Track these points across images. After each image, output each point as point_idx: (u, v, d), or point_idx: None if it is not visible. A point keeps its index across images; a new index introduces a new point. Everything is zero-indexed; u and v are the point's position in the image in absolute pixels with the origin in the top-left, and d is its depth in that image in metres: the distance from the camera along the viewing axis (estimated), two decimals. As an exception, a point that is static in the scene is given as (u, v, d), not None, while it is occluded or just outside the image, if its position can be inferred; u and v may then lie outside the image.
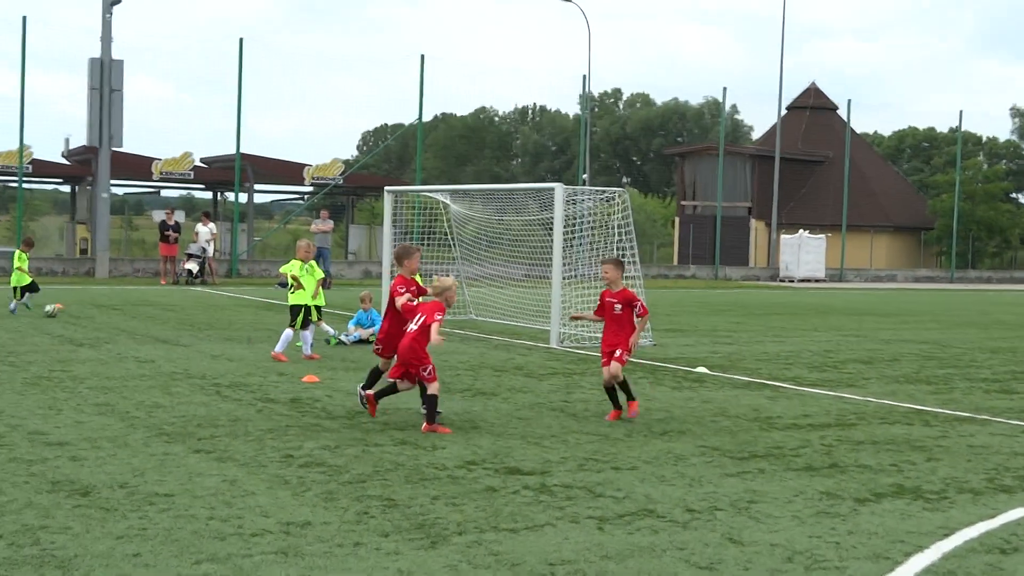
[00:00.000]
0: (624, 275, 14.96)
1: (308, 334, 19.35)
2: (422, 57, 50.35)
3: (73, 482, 9.87)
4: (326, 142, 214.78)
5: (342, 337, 21.56)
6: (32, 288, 27.20)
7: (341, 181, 55.62)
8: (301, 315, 19.21)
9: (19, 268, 27.08)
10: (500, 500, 9.65)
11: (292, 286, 19.29)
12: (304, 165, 55.00)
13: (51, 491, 9.51)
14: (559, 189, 22.55)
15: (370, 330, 21.59)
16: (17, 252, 27.74)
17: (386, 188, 27.52)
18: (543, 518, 9.09)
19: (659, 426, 13.47)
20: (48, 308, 25.96)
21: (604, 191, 25.55)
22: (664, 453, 11.83)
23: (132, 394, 14.76)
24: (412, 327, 12.95)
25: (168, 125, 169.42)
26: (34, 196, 75.14)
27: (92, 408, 13.62)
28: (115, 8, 44.11)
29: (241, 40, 47.53)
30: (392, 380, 13.11)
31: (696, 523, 9.06)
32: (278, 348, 19.03)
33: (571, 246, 24.76)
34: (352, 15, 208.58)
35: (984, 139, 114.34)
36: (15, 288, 27.03)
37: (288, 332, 19.27)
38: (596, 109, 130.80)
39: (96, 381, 15.87)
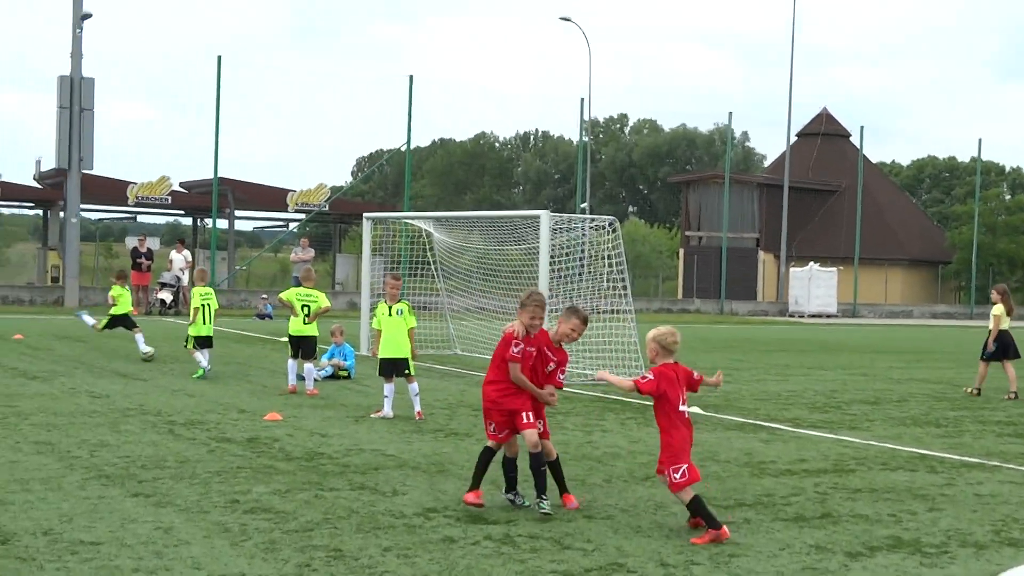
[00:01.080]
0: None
1: (303, 365, 18.92)
2: (410, 78, 49.30)
3: (-9, 528, 9.03)
4: (316, 167, 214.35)
5: (315, 373, 20.62)
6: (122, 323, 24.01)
7: (326, 207, 54.69)
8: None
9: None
10: (457, 552, 8.83)
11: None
12: (288, 191, 54.10)
13: (-37, 540, 8.68)
14: (545, 216, 21.74)
15: (343, 363, 20.91)
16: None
17: (365, 215, 26.74)
18: (501, 573, 8.29)
19: (641, 471, 12.59)
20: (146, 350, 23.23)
21: (594, 219, 24.69)
22: (643, 501, 10.97)
23: (77, 431, 13.90)
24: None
25: (145, 148, 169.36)
26: (7, 221, 73.98)
27: (30, 447, 12.76)
28: (87, 23, 43.07)
29: (219, 58, 46.40)
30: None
31: (669, 580, 8.23)
32: (292, 381, 18.82)
33: (565, 277, 23.86)
34: (349, 37, 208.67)
35: (1007, 169, 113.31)
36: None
37: (291, 363, 18.88)
38: (601, 135, 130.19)
39: (41, 417, 15.01)
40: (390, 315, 16.35)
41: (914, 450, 14.78)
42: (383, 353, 16.20)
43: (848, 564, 8.85)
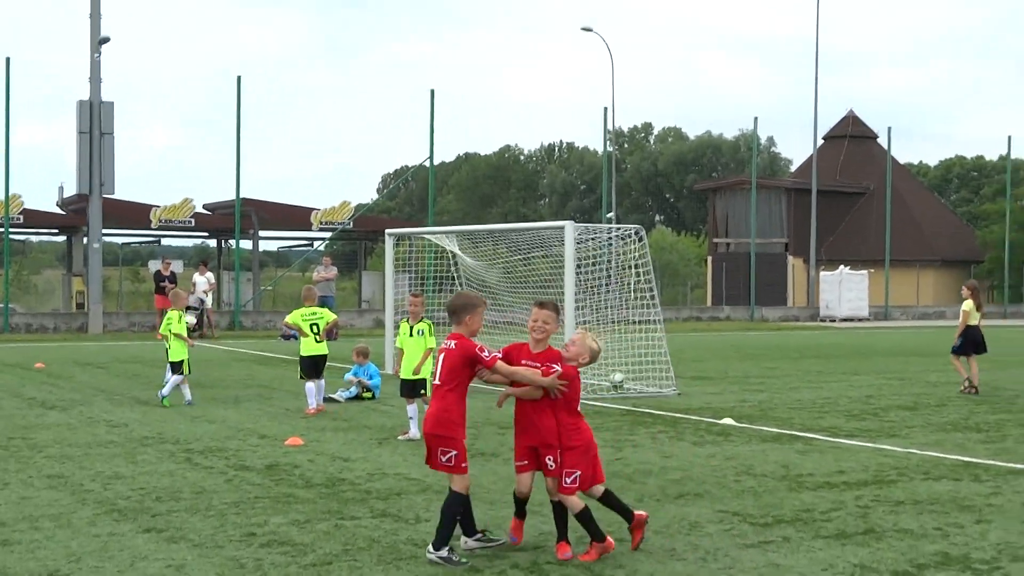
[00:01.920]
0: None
1: (317, 383, 18.73)
2: (431, 92, 48.67)
3: (-5, 571, 8.66)
4: (341, 185, 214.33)
5: (337, 394, 20.20)
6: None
7: (350, 225, 54.35)
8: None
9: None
10: (481, 583, 8.38)
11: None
12: (312, 209, 53.79)
13: (-34, 584, 8.31)
14: (569, 227, 21.28)
15: (367, 381, 20.48)
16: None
17: (387, 232, 26.30)
18: (528, 606, 7.83)
19: (674, 488, 12.11)
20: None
21: (620, 228, 24.23)
22: (677, 520, 10.50)
23: (92, 463, 13.51)
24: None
25: (168, 171, 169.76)
26: (34, 248, 73.89)
27: (43, 481, 12.37)
28: (106, 48, 42.77)
29: (239, 79, 45.67)
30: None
31: (706, 610, 7.80)
32: (312, 404, 18.53)
33: (593, 288, 23.40)
34: (371, 54, 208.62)
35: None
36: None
37: (309, 386, 18.61)
38: (626, 145, 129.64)
39: (56, 449, 14.61)
40: (411, 335, 16.00)
41: (957, 457, 14.26)
42: (403, 373, 15.95)
43: (895, 585, 8.40)
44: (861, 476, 12.86)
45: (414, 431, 15.43)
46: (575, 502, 9.25)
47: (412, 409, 15.70)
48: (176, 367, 19.55)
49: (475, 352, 9.35)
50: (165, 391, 19.44)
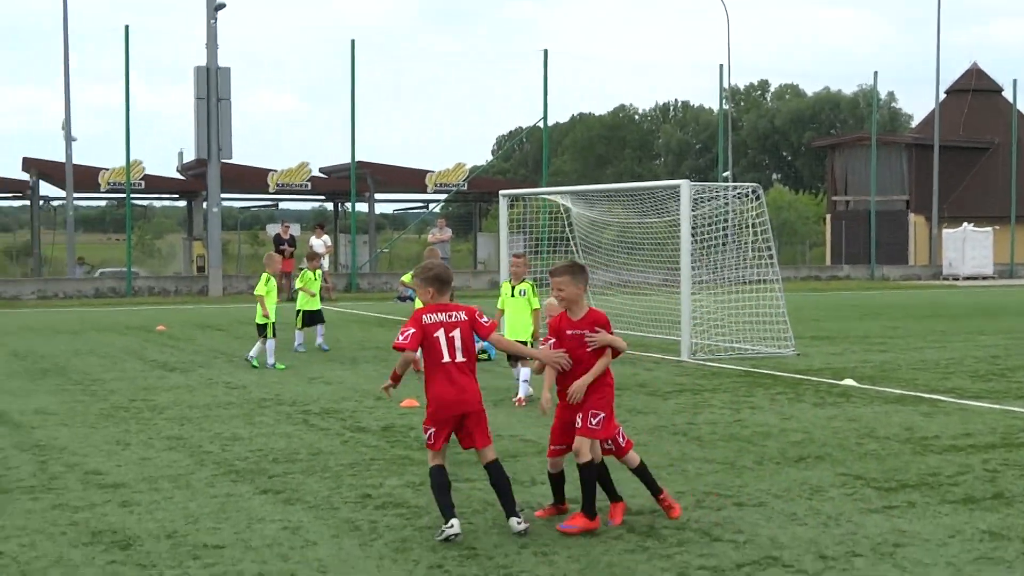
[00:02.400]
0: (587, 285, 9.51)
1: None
2: (544, 53, 48.27)
3: (115, 532, 8.79)
4: (455, 148, 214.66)
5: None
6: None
7: (465, 187, 54.37)
8: None
9: (301, 289, 22.48)
10: (598, 548, 8.29)
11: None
12: (426, 171, 53.89)
13: (88, 543, 8.46)
14: (685, 186, 20.95)
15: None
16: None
17: (500, 193, 26.13)
18: (645, 570, 7.76)
19: (794, 451, 11.85)
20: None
21: (737, 187, 23.83)
22: (798, 484, 10.25)
23: (211, 425, 13.64)
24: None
25: (285, 135, 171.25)
26: (158, 213, 75.06)
27: (163, 442, 12.51)
28: (222, 14, 43.19)
29: (353, 43, 45.71)
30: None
31: (829, 574, 7.62)
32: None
33: (710, 248, 23.07)
34: (484, 16, 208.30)
35: None
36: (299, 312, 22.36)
37: None
38: (742, 103, 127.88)
39: (176, 411, 14.78)
40: (512, 295, 15.83)
41: (1089, 420, 13.79)
42: (506, 335, 15.76)
43: (1027, 552, 8.10)
44: (988, 439, 12.49)
45: (523, 392, 15.30)
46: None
47: (518, 372, 15.55)
48: (261, 329, 19.70)
49: (475, 317, 8.98)
50: (269, 359, 19.56)
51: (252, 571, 7.79)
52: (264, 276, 20.26)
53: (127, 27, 42.93)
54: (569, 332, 8.96)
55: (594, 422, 8.82)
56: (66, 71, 47.11)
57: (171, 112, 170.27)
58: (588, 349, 8.89)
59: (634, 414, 14.36)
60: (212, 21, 42.72)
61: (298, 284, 22.56)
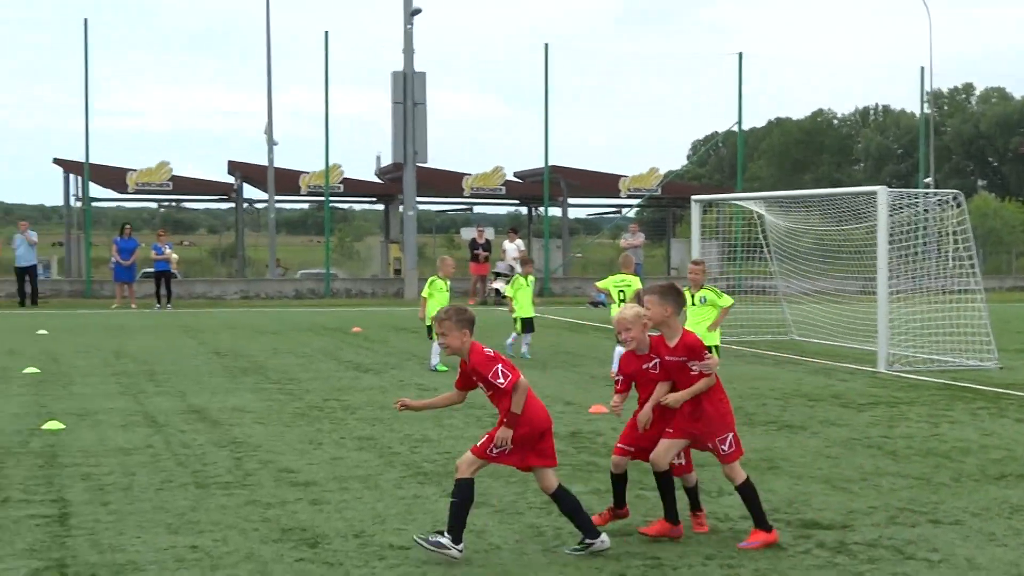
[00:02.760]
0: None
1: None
2: (739, 56, 47.55)
3: (304, 530, 8.95)
4: (649, 152, 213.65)
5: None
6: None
7: (659, 191, 54.04)
8: None
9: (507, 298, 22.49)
10: (786, 563, 8.12)
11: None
12: (620, 176, 53.71)
13: (278, 540, 8.62)
14: (882, 193, 20.41)
15: None
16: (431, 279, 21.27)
17: (693, 198, 25.86)
18: (835, 588, 7.51)
19: (995, 468, 11.42)
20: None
21: (937, 193, 23.14)
22: (998, 503, 9.87)
23: (401, 426, 13.79)
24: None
25: (479, 139, 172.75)
26: (357, 216, 76.41)
27: (354, 442, 12.71)
28: (417, 19, 43.75)
29: (546, 46, 45.93)
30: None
31: (1029, 601, 7.29)
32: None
33: (908, 256, 22.45)
34: (680, 18, 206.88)
35: None
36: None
37: (618, 349, 18.54)
38: (945, 107, 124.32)
39: (368, 412, 15.01)
40: (692, 303, 15.63)
41: None
42: None
43: None
44: None
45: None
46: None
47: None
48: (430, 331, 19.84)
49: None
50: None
51: (436, 573, 7.85)
52: (429, 279, 20.58)
53: (326, 33, 44.05)
54: (668, 358, 8.82)
55: (725, 447, 8.75)
56: (268, 77, 48.56)
57: (369, 116, 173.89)
58: (693, 373, 8.72)
59: (827, 425, 14.05)
60: (408, 26, 43.38)
61: (509, 291, 22.64)
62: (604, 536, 8.43)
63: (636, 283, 19.33)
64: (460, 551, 8.15)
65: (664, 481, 8.85)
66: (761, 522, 8.67)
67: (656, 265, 61.88)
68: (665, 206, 62.86)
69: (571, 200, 57.19)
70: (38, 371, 19.06)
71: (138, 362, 20.72)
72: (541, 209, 53.00)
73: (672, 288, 8.98)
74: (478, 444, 8.49)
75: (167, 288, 37.21)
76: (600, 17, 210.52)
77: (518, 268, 41.18)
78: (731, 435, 8.80)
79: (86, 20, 43.06)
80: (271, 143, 47.76)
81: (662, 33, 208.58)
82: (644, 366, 8.92)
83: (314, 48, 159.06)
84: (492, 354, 8.50)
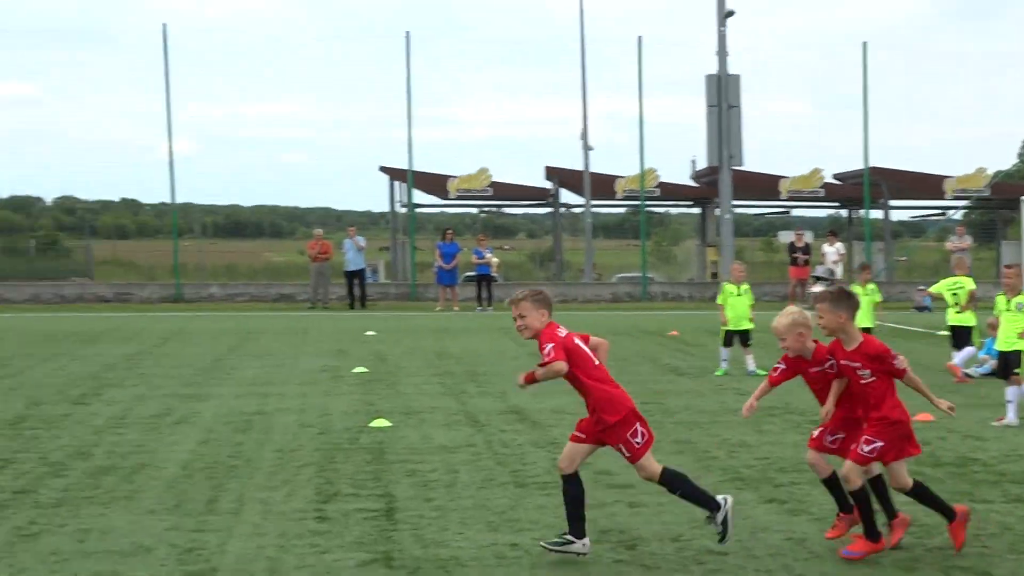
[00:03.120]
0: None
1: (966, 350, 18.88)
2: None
3: (623, 532, 9.05)
4: (977, 151, 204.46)
5: (972, 370, 19.01)
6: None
7: (987, 192, 51.72)
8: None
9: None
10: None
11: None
12: (944, 177, 51.69)
13: (596, 541, 8.72)
14: None
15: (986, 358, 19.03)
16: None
17: (1023, 198, 24.61)
18: None
19: None
20: None
21: None
22: None
23: (719, 430, 13.67)
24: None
25: (796, 141, 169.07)
26: (674, 220, 76.05)
27: (670, 446, 12.65)
28: (731, 21, 43.17)
29: (865, 44, 44.85)
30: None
31: None
32: (957, 361, 18.76)
33: None
34: (1007, 11, 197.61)
35: None
36: None
37: (970, 349, 18.93)
38: None
39: (686, 415, 14.94)
40: (1008, 308, 14.65)
41: None
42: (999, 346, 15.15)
43: None
44: None
45: (1011, 417, 14.13)
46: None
47: (1011, 392, 14.22)
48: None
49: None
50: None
51: (754, 578, 7.76)
52: (722, 285, 20.54)
53: (640, 38, 44.36)
54: (843, 362, 8.53)
55: (867, 448, 8.32)
56: (583, 84, 49.01)
57: (684, 120, 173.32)
58: (898, 367, 8.55)
59: None
60: (722, 28, 43.03)
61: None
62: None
63: (969, 285, 19.04)
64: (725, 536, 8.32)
65: (856, 498, 8.45)
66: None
67: (984, 269, 59.38)
68: (994, 208, 60.28)
69: (893, 202, 55.50)
70: (366, 371, 19.80)
71: (460, 363, 21.26)
72: (862, 212, 51.68)
73: (844, 293, 8.74)
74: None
75: (488, 291, 38.13)
76: (921, 13, 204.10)
77: (838, 272, 40.35)
78: (881, 444, 8.38)
79: (408, 33, 44.62)
80: (587, 148, 48.23)
81: (986, 27, 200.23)
82: (811, 369, 8.74)
83: (628, 54, 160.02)
84: (563, 335, 8.60)
